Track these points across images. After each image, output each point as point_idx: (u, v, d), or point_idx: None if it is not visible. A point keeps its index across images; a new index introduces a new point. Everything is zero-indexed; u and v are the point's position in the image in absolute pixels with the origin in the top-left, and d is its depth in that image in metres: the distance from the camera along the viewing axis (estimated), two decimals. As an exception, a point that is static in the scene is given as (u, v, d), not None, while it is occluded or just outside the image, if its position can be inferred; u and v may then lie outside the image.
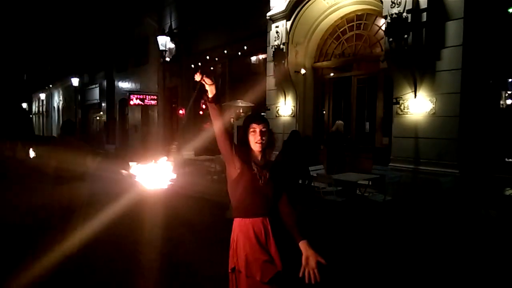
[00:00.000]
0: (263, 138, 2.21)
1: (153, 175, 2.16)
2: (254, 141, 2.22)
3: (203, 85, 2.12)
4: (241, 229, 2.20)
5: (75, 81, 23.14)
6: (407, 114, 7.23)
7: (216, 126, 2.17)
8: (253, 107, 10.51)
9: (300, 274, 2.09)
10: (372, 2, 8.06)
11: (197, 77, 2.10)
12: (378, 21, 8.42)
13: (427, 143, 6.93)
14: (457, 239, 5.08)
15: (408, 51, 6.74)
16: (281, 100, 10.12)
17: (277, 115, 10.21)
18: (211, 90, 2.14)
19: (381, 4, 7.21)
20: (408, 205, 6.54)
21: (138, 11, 17.57)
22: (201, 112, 15.11)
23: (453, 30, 6.51)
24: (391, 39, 6.94)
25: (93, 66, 23.88)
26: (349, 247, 4.95)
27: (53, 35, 29.76)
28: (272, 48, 9.74)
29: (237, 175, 2.21)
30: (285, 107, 10.02)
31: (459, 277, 3.98)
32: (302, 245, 2.15)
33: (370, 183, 7.08)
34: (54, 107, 33.21)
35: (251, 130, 2.22)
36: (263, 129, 2.21)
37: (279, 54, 9.54)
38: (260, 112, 10.45)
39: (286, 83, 9.73)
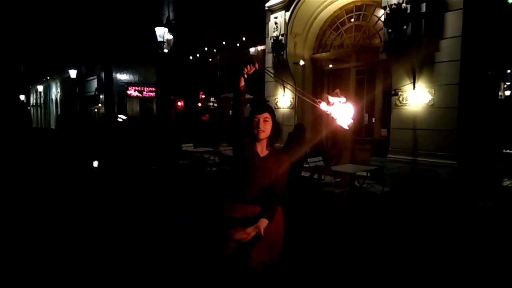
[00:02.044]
0: (264, 127, 2.26)
1: None
2: (256, 131, 2.27)
3: (242, 74, 2.23)
4: (234, 211, 2.30)
5: (73, 73, 23.02)
6: (405, 105, 7.24)
7: (235, 109, 2.29)
8: (252, 98, 10.49)
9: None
10: (371, -8, 8.02)
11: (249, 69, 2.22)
12: (378, 12, 8.37)
13: (426, 135, 6.95)
14: (454, 230, 5.13)
15: (407, 42, 6.72)
16: (280, 91, 10.11)
17: (276, 107, 10.20)
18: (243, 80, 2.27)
19: (380, -5, 7.17)
20: (406, 196, 6.58)
21: (136, 2, 17.42)
22: (199, 104, 15.09)
23: (452, 21, 6.49)
24: (390, 30, 6.92)
25: (91, 58, 23.72)
26: (345, 237, 5.00)
27: (50, 26, 29.49)
28: (270, 39, 9.70)
29: (239, 161, 2.31)
30: (284, 98, 10.01)
31: (456, 269, 4.02)
32: (260, 221, 2.16)
33: (368, 175, 7.10)
34: (52, 99, 33.09)
35: (254, 120, 2.28)
36: (265, 119, 2.26)
37: (278, 45, 9.50)
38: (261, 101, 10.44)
39: (285, 74, 9.71)
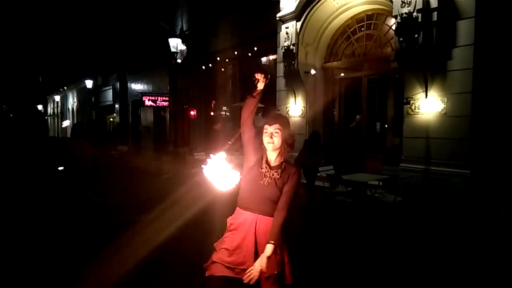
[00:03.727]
0: (273, 139, 2.25)
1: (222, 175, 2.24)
2: (266, 141, 2.28)
3: (256, 83, 2.32)
4: (236, 216, 2.35)
5: (89, 83, 23.57)
6: (418, 114, 7.18)
7: (245, 116, 2.34)
8: (263, 107, 10.55)
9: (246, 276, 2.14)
10: (382, 1, 8.03)
11: (259, 77, 2.31)
12: (389, 21, 8.38)
13: (438, 143, 6.87)
14: (468, 240, 5.04)
15: (419, 50, 6.70)
16: (291, 100, 10.15)
17: (287, 116, 10.23)
18: (260, 88, 2.33)
19: (391, 4, 7.18)
20: (419, 205, 6.50)
21: (150, 14, 17.80)
22: (212, 113, 15.23)
23: (464, 29, 6.45)
24: (401, 39, 6.91)
25: (107, 68, 24.26)
26: (356, 247, 4.96)
27: (67, 38, 30.30)
28: (282, 49, 9.78)
29: (247, 168, 2.33)
30: (295, 107, 10.04)
31: (469, 279, 3.96)
32: (267, 247, 2.16)
33: (380, 184, 7.05)
34: (68, 108, 33.85)
35: (264, 131, 2.30)
36: (275, 130, 2.26)
37: (289, 54, 9.56)
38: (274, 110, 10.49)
39: (296, 83, 9.76)
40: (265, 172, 2.27)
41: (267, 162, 2.30)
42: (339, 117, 9.91)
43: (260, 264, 2.12)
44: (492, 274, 4.02)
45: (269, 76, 2.35)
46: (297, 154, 7.38)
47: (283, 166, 2.29)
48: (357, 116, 9.11)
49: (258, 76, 2.31)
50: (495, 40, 6.42)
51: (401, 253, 4.70)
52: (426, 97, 7.00)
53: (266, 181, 2.25)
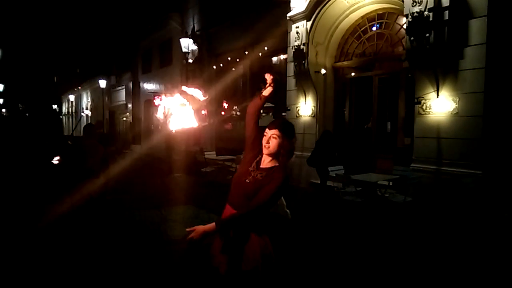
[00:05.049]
0: (269, 143, 2.30)
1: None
2: (263, 144, 2.34)
3: (265, 85, 2.41)
4: (224, 210, 2.41)
5: (102, 83, 23.91)
6: (429, 114, 7.12)
7: (251, 111, 2.44)
8: (273, 107, 10.58)
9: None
10: (393, 0, 7.98)
11: (268, 78, 2.39)
12: (400, 20, 8.32)
13: (450, 143, 6.81)
14: (478, 241, 4.99)
15: (430, 50, 6.64)
16: (301, 100, 10.15)
17: (298, 115, 10.24)
18: (269, 91, 2.42)
19: (402, 3, 7.14)
20: (429, 206, 6.45)
21: (162, 14, 17.98)
22: (223, 113, 15.31)
23: (477, 28, 6.37)
24: (412, 38, 6.85)
25: (120, 68, 24.57)
26: (364, 247, 4.96)
27: (81, 39, 30.81)
28: (292, 48, 9.78)
29: (241, 163, 2.44)
30: (306, 107, 10.04)
31: (478, 280, 3.93)
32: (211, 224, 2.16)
33: (390, 184, 7.02)
34: (82, 108, 34.36)
35: (264, 133, 2.35)
36: (273, 136, 2.29)
37: (299, 54, 9.56)
38: (281, 111, 10.52)
39: (306, 83, 9.75)
40: (251, 171, 2.32)
41: (258, 163, 2.35)
42: (350, 116, 9.87)
43: (202, 227, 2.13)
44: (502, 275, 3.98)
45: (278, 78, 2.39)
46: (310, 154, 7.42)
47: (272, 170, 2.29)
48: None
49: (268, 77, 2.38)
50: (508, 39, 6.33)
51: (409, 254, 4.68)
52: (437, 97, 6.93)
53: (249, 179, 2.30)
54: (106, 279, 3.83)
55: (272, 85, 2.39)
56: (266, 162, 2.35)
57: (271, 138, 2.29)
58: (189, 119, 2.39)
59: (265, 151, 2.32)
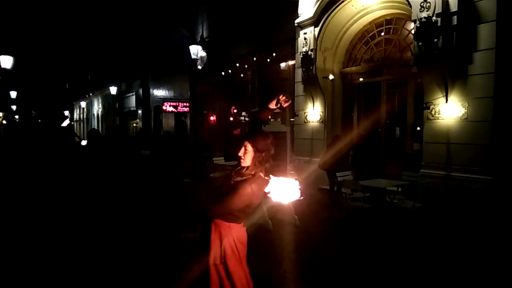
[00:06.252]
0: (243, 155, 2.37)
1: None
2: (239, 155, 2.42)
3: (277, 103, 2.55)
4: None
5: (113, 90, 24.22)
6: (438, 119, 7.08)
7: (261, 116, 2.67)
8: (281, 112, 10.59)
9: None
10: (401, 6, 7.98)
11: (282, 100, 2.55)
12: (408, 25, 8.31)
13: (459, 149, 6.75)
14: (487, 248, 4.93)
15: (439, 55, 6.62)
16: (309, 106, 10.16)
17: (306, 121, 10.25)
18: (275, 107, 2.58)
19: (410, 8, 7.14)
20: (438, 212, 6.39)
21: (171, 22, 18.21)
22: (231, 119, 15.40)
23: (485, 33, 6.34)
24: (420, 43, 6.84)
25: (130, 75, 24.88)
26: (372, 253, 4.93)
27: (92, 46, 31.31)
28: (300, 54, 9.83)
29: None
30: (314, 112, 10.05)
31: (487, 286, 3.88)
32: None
33: (399, 190, 6.97)
34: (93, 114, 34.81)
35: (242, 145, 2.42)
36: (246, 148, 2.37)
37: (307, 60, 9.60)
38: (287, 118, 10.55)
39: (314, 89, 9.77)
40: (233, 174, 2.41)
41: (242, 168, 2.40)
42: (358, 122, 9.84)
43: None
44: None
45: (289, 101, 2.56)
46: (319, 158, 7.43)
47: (248, 179, 2.33)
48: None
49: (281, 98, 2.51)
50: (517, 43, 6.28)
51: (418, 260, 4.64)
52: (446, 102, 6.90)
53: (224, 187, 2.39)
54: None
55: (279, 106, 2.52)
56: (241, 169, 2.42)
57: (244, 150, 2.37)
58: (293, 191, 2.38)
59: (242, 162, 2.39)
